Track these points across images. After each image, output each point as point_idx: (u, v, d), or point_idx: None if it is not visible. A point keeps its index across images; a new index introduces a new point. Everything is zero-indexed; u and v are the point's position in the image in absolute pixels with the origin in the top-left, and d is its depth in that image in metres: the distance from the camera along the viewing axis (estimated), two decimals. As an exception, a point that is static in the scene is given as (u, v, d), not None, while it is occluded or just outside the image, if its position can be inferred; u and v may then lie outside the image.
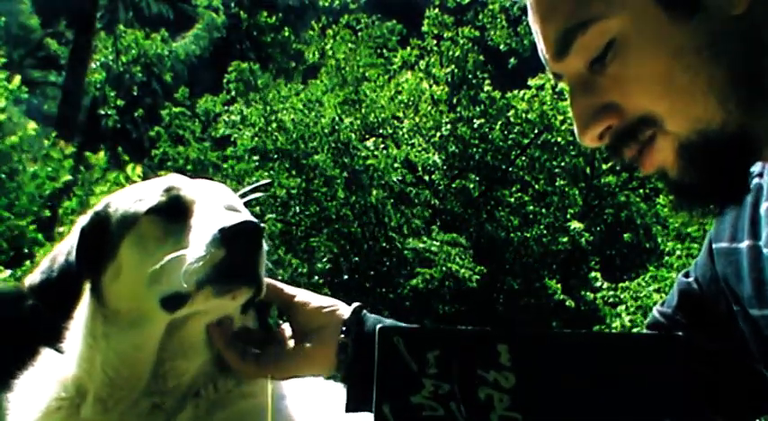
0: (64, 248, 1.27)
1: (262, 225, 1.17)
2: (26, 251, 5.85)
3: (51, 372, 1.27)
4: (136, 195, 1.26)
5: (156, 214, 1.21)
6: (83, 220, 1.29)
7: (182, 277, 1.13)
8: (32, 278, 1.27)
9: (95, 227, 1.26)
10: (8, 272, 5.42)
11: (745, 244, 1.13)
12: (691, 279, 1.28)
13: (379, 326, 0.88)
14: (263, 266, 1.19)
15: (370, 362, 0.99)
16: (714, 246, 1.21)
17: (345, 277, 10.69)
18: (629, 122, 0.99)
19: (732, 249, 1.16)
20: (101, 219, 1.27)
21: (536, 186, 11.87)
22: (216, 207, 1.21)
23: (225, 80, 13.32)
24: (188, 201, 1.22)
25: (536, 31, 1.03)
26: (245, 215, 1.20)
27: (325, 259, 10.69)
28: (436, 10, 12.14)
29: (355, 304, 1.25)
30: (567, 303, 9.85)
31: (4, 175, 6.38)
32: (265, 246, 1.19)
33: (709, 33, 0.93)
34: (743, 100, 0.94)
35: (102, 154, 7.02)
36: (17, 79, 7.37)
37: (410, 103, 11.86)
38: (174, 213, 1.20)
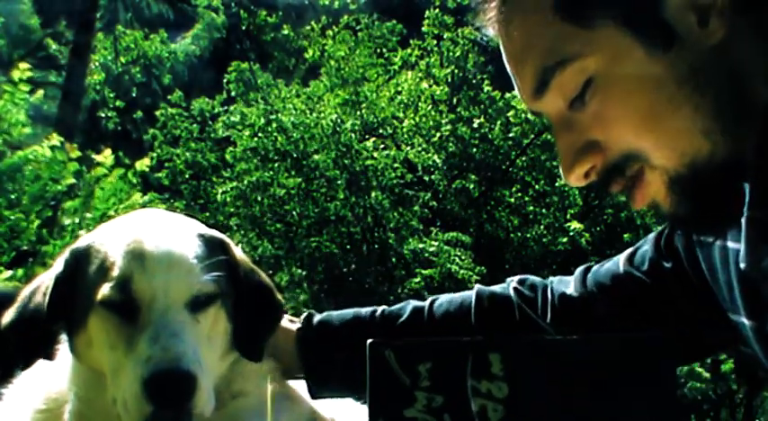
0: (42, 284, 1.24)
1: (192, 372, 1.09)
2: (27, 251, 5.84)
3: (39, 380, 1.27)
4: (104, 252, 1.19)
5: (108, 309, 1.16)
6: (63, 259, 1.25)
7: (121, 413, 1.12)
8: (8, 314, 1.24)
9: (70, 276, 1.22)
10: (9, 272, 5.43)
11: (717, 242, 1.12)
12: (637, 272, 1.26)
13: (369, 340, 0.87)
14: (203, 405, 1.12)
15: (325, 348, 1.20)
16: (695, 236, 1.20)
17: (345, 278, 10.69)
18: (613, 159, 0.98)
19: (708, 243, 1.15)
20: (74, 270, 1.22)
21: (536, 186, 11.86)
22: (165, 318, 1.13)
23: (225, 80, 13.32)
24: (140, 300, 1.15)
25: (512, 71, 1.02)
26: (180, 350, 1.11)
27: (324, 260, 10.69)
28: (436, 10, 12.13)
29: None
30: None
31: (5, 176, 6.37)
32: (204, 389, 1.12)
33: (688, 65, 0.93)
34: (727, 129, 0.93)
35: (108, 151, 7.03)
36: (40, 93, 7.37)
37: (410, 104, 11.86)
38: (126, 310, 1.15)
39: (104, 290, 1.15)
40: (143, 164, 6.93)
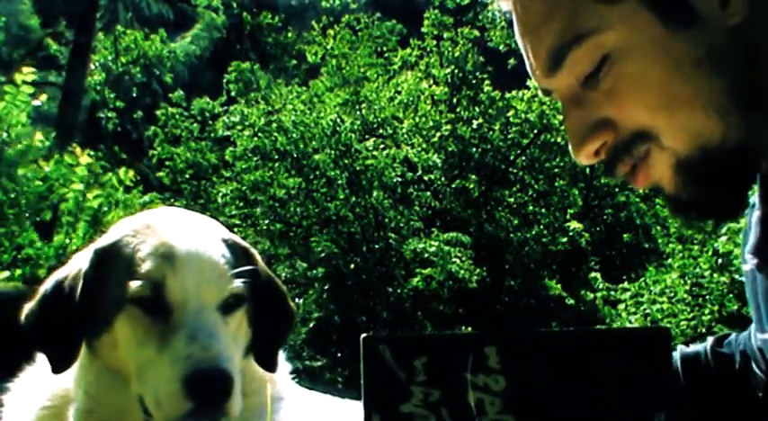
0: (66, 281, 1.23)
1: (230, 372, 1.11)
2: (25, 252, 5.84)
3: (44, 378, 1.26)
4: (131, 252, 1.19)
5: (139, 306, 1.16)
6: (84, 257, 1.24)
7: (153, 410, 1.12)
8: (28, 314, 1.23)
9: (95, 276, 1.21)
10: (7, 273, 5.43)
11: (747, 267, 1.11)
12: None
13: (363, 335, 0.86)
14: (236, 406, 1.13)
15: None
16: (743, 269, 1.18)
17: (345, 278, 10.68)
18: (624, 137, 0.96)
19: (745, 273, 1.15)
20: (100, 269, 1.21)
21: (536, 186, 11.86)
22: (200, 318, 1.14)
23: (225, 80, 13.32)
24: (172, 300, 1.15)
25: (524, 46, 1.00)
26: (218, 349, 1.12)
27: (324, 260, 10.69)
28: (436, 10, 12.14)
29: None
30: (567, 303, 9.85)
31: (4, 177, 6.36)
32: (236, 385, 1.13)
33: (707, 45, 0.92)
34: (743, 113, 0.92)
35: (131, 173, 7.02)
36: (44, 97, 7.38)
37: (410, 104, 11.86)
38: (157, 309, 1.15)
39: (134, 287, 1.15)
40: (128, 176, 6.88)
